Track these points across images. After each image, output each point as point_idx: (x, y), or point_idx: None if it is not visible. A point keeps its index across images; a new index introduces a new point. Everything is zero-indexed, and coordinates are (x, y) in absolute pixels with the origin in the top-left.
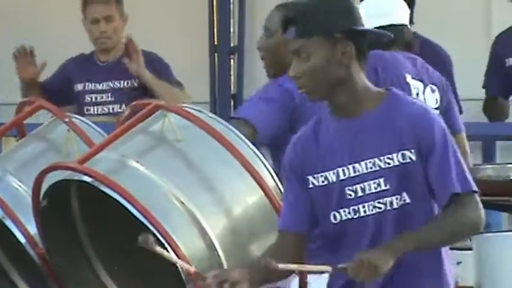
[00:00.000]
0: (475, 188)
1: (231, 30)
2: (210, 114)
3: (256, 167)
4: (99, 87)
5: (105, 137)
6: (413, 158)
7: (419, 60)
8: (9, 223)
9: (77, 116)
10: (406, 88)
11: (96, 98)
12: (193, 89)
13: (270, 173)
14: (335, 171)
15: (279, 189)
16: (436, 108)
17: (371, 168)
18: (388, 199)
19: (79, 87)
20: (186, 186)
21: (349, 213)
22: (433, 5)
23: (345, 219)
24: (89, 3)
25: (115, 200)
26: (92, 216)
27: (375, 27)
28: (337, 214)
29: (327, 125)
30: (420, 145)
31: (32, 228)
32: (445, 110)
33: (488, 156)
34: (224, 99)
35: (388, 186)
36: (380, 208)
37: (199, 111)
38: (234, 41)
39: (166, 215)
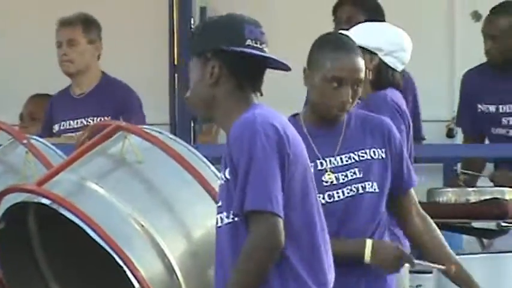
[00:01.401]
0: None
1: None
2: (171, 136)
3: (217, 189)
4: (74, 124)
5: (65, 158)
6: (228, 176)
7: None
8: None
9: (36, 137)
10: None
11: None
12: (154, 110)
13: None
14: None
15: None
16: None
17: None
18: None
19: (56, 127)
20: (146, 209)
21: None
22: None
23: None
24: (56, 29)
25: (74, 222)
26: (50, 238)
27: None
28: None
29: None
30: (230, 160)
31: None
32: None
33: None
34: (183, 120)
35: (220, 203)
36: None
37: (160, 132)
38: None
39: (125, 238)
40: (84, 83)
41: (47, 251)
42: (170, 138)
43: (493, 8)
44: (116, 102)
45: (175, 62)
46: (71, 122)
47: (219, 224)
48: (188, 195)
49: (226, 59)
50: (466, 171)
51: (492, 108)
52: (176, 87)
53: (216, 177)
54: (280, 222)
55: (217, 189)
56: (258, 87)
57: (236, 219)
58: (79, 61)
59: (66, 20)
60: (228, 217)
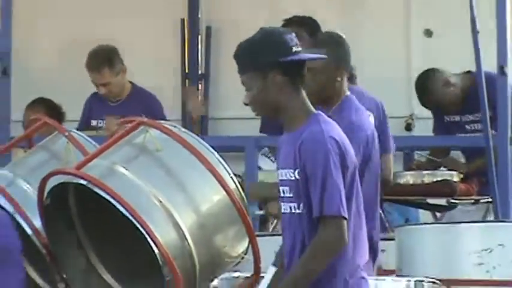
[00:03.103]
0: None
1: (199, 60)
2: (183, 129)
3: (220, 173)
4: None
5: (98, 147)
6: (297, 177)
7: (359, 89)
8: (18, 218)
9: (75, 130)
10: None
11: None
12: (169, 109)
13: (232, 177)
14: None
15: (239, 191)
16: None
17: (285, 175)
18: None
19: (93, 122)
20: (163, 188)
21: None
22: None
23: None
24: (87, 70)
25: (105, 199)
26: (86, 212)
27: None
28: None
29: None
30: (303, 166)
31: (37, 222)
32: (379, 131)
33: (407, 163)
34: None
35: (291, 194)
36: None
37: (175, 126)
38: (201, 69)
39: (147, 212)
40: (118, 95)
41: (84, 224)
42: (183, 131)
43: None
44: (143, 107)
45: (186, 71)
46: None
47: (290, 211)
48: (198, 177)
49: (283, 68)
50: (429, 157)
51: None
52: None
53: (220, 163)
54: (346, 224)
55: (220, 172)
56: (303, 82)
57: (303, 211)
58: (114, 90)
59: (94, 66)
60: (298, 208)
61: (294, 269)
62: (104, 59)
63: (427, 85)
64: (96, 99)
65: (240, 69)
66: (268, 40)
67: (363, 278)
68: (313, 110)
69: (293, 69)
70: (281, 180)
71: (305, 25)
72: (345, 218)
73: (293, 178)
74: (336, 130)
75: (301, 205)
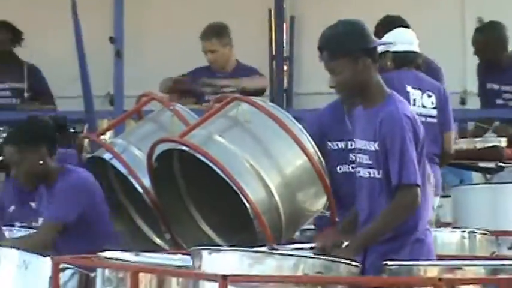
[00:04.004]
0: (413, 180)
1: (284, 44)
2: (271, 104)
3: (302, 140)
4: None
5: (197, 119)
6: (377, 148)
7: (420, 75)
8: (131, 178)
9: (178, 104)
10: (405, 95)
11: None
12: None
13: (311, 144)
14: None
15: (318, 155)
16: (434, 108)
17: (364, 146)
18: (368, 170)
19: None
20: (253, 154)
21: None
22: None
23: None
24: (201, 39)
25: (205, 163)
26: (188, 174)
27: (401, 51)
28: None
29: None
30: (382, 140)
31: (147, 182)
32: (440, 111)
33: (462, 132)
34: (279, 93)
35: (370, 162)
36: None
37: (263, 101)
38: (286, 51)
39: (240, 173)
40: (223, 67)
41: (187, 184)
42: (270, 105)
43: None
44: None
45: (273, 53)
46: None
47: (369, 176)
48: (282, 145)
49: (369, 53)
50: (480, 125)
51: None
52: (274, 70)
53: (302, 132)
54: (419, 190)
55: (302, 140)
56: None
57: (381, 176)
58: (220, 59)
59: (205, 35)
60: (378, 173)
61: (374, 222)
62: (214, 30)
63: (491, 31)
64: (204, 71)
65: (329, 56)
66: (356, 30)
67: (428, 229)
68: (388, 90)
69: (375, 54)
70: (359, 149)
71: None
72: (418, 186)
73: (373, 149)
74: (408, 108)
75: (381, 171)
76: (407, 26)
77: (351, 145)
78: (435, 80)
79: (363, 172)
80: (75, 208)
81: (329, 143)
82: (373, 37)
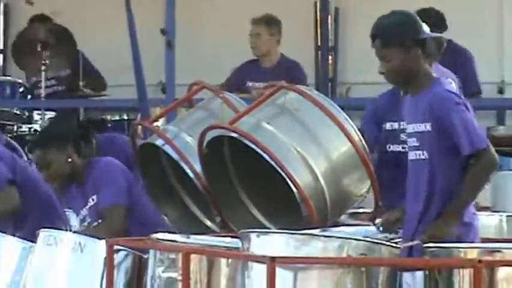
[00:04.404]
0: (485, 143)
1: (329, 35)
2: (317, 92)
3: (346, 127)
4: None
5: (246, 107)
6: (430, 128)
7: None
8: (182, 164)
9: (228, 93)
10: None
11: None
12: None
13: (356, 131)
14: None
15: (362, 142)
16: None
17: (412, 129)
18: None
19: (249, 83)
20: (300, 140)
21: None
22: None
23: None
24: (251, 23)
25: (253, 149)
26: (237, 159)
27: None
28: None
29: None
30: (436, 119)
31: (198, 167)
32: None
33: (500, 120)
34: (324, 83)
35: (418, 144)
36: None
37: (310, 89)
38: (331, 42)
39: (287, 159)
40: (268, 61)
41: (236, 169)
42: (316, 93)
43: None
44: (290, 73)
45: (319, 44)
46: (261, 84)
47: (416, 158)
48: (328, 132)
49: (422, 44)
50: None
51: None
52: (319, 60)
53: (346, 120)
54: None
55: (347, 128)
56: None
57: (426, 157)
58: (263, 48)
59: (255, 20)
60: (423, 154)
61: (463, 192)
62: (265, 17)
63: None
64: (250, 66)
65: (382, 44)
66: (409, 20)
67: (474, 213)
68: (435, 76)
69: (425, 45)
70: (408, 133)
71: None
72: (490, 147)
73: (421, 130)
74: (455, 90)
75: (426, 152)
76: (441, 18)
77: (403, 125)
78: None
79: (411, 155)
80: (123, 188)
81: (384, 125)
82: (424, 28)
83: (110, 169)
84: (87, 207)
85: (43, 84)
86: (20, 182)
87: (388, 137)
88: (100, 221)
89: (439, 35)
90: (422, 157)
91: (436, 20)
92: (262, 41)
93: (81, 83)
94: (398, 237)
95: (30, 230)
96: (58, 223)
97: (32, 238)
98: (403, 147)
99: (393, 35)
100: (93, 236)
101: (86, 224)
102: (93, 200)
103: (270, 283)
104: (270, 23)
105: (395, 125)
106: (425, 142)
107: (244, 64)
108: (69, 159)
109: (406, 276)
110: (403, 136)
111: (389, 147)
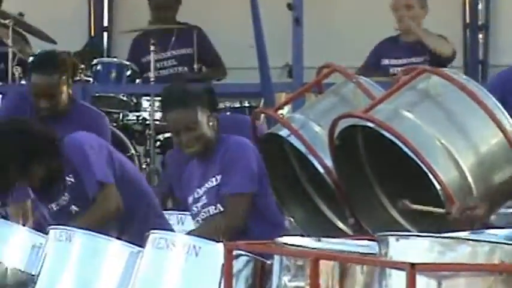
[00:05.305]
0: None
1: (479, 10)
2: (463, 76)
3: (498, 116)
4: (400, 62)
5: (384, 92)
6: None
7: None
8: (311, 157)
9: (362, 77)
10: None
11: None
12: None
13: (508, 120)
14: None
15: None
16: None
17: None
18: None
19: (386, 61)
20: (444, 130)
21: None
22: None
23: None
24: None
25: (390, 140)
26: (374, 152)
27: None
28: None
29: None
30: None
31: (328, 161)
32: None
33: None
34: (474, 65)
35: None
36: None
37: (455, 73)
38: (482, 19)
39: (430, 152)
40: (411, 36)
41: (372, 163)
42: (463, 77)
43: None
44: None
45: (467, 21)
46: (399, 60)
47: None
48: (476, 120)
49: None
50: None
51: None
52: (468, 39)
53: (497, 107)
54: None
55: (497, 116)
56: None
57: None
58: (415, 21)
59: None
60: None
61: None
62: None
63: None
64: (388, 43)
65: None
66: None
67: None
68: None
69: None
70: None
71: None
72: None
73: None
74: None
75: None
76: None
77: None
78: None
79: None
80: (254, 175)
81: None
82: None
83: (243, 149)
84: (206, 187)
85: (152, 67)
86: (122, 180)
87: None
88: (219, 206)
89: None
90: None
91: None
92: (412, 14)
93: (195, 64)
94: None
95: (135, 233)
96: (163, 224)
97: (139, 242)
98: None
99: None
100: (209, 237)
101: (199, 205)
102: (216, 180)
103: None
104: None
105: None
106: None
107: (381, 42)
108: (211, 123)
109: None
110: None
111: None
